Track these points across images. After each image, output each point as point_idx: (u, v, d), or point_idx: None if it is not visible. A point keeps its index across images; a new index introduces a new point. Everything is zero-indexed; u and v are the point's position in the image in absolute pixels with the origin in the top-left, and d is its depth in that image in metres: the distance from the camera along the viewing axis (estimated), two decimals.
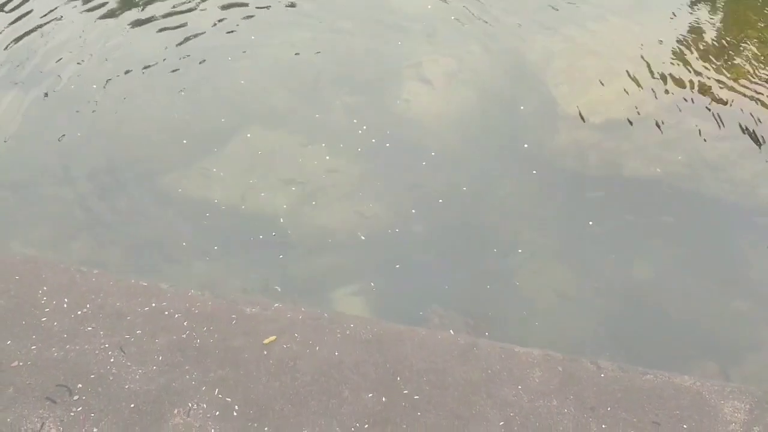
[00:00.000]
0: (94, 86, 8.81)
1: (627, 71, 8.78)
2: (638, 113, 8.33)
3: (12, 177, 7.86)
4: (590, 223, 7.39)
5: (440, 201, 7.58)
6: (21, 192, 7.71)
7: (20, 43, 9.39)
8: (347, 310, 6.44)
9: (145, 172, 7.90)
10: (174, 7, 10.00)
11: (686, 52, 9.07)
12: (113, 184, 7.77)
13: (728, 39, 9.28)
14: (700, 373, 6.10)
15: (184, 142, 8.17)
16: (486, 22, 9.70)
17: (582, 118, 8.29)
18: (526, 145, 8.16)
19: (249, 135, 8.22)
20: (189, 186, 7.72)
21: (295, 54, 9.27)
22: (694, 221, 7.55)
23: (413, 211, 7.48)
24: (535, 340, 6.05)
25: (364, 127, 8.28)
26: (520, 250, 7.17)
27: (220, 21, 9.75)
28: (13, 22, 9.72)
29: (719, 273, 7.10)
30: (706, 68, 8.80)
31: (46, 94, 8.69)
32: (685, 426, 5.12)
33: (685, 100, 8.42)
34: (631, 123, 8.25)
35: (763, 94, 8.40)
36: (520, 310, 6.71)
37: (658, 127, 8.19)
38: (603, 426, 5.09)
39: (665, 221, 7.51)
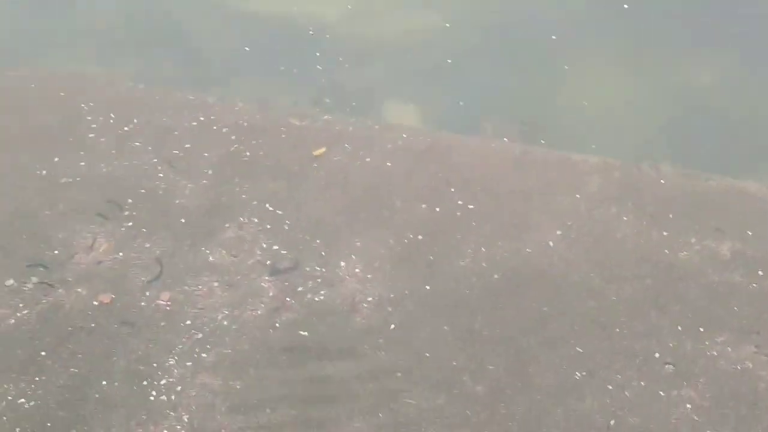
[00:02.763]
0: None
1: None
2: None
3: None
4: (651, 29, 7.04)
5: (495, 10, 7.24)
6: (69, 4, 7.50)
7: None
8: (399, 121, 6.27)
9: None
10: None
11: None
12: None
13: None
14: (764, 179, 5.89)
15: None
16: None
17: None
18: None
19: None
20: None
21: None
22: (762, 24, 7.16)
23: (466, 19, 7.17)
24: (592, 147, 5.85)
25: None
26: (576, 56, 6.86)
27: None
28: None
29: None
30: None
31: None
32: (750, 232, 4.96)
33: None
34: None
35: None
36: (575, 116, 6.47)
37: None
38: (664, 233, 4.96)
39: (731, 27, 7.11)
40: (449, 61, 6.87)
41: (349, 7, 7.37)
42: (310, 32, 7.16)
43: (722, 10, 7.22)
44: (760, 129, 6.45)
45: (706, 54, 6.89)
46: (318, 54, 7.03)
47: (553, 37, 7.02)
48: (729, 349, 4.50)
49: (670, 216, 5.05)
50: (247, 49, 7.06)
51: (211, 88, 6.75)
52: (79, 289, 4.77)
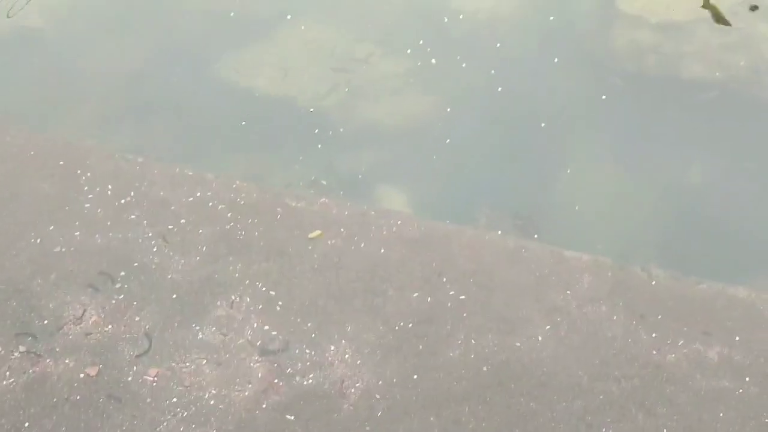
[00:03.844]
0: None
1: None
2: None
3: (55, 60, 7.74)
4: (644, 126, 7.16)
5: (491, 100, 7.36)
6: (64, 76, 7.59)
7: None
8: (391, 206, 6.32)
9: (191, 59, 7.74)
10: None
11: None
12: (157, 72, 7.63)
13: None
14: (754, 285, 5.93)
15: (231, 30, 7.98)
16: None
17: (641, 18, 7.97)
18: (581, 45, 7.88)
19: (302, 27, 8.01)
20: (234, 76, 7.56)
21: None
22: (755, 127, 7.29)
23: (463, 109, 7.28)
24: (585, 245, 5.89)
25: (416, 22, 8.04)
26: (572, 153, 6.96)
27: None
28: None
29: None
30: None
31: None
32: (737, 338, 4.99)
33: None
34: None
35: None
36: (569, 213, 6.55)
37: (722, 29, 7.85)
38: (653, 334, 4.98)
39: (720, 126, 7.24)
40: (446, 149, 6.95)
41: (347, 90, 7.48)
42: (311, 111, 7.25)
43: (718, 113, 7.36)
44: (749, 236, 6.52)
45: (701, 155, 6.99)
46: (315, 135, 7.12)
47: (552, 132, 7.12)
48: None
49: (660, 317, 5.08)
50: (243, 123, 7.14)
51: (206, 163, 6.82)
52: (66, 360, 4.75)
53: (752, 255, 6.39)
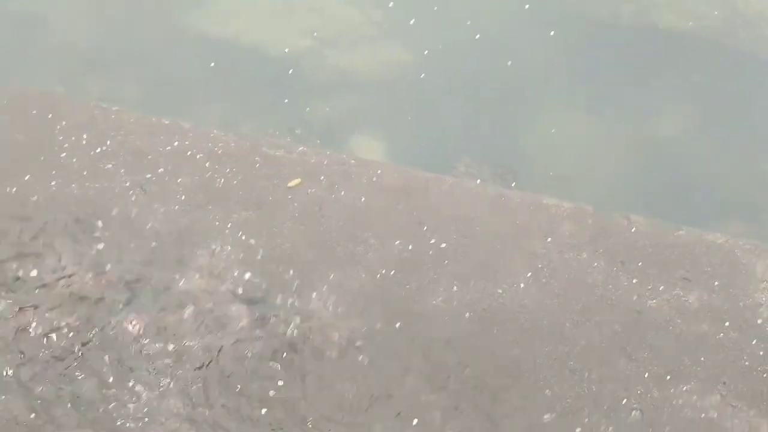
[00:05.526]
0: None
1: None
2: None
3: (26, 10, 7.60)
4: (620, 76, 7.17)
5: (468, 49, 7.32)
6: (36, 26, 7.46)
7: None
8: (369, 157, 6.29)
9: (161, 8, 7.63)
10: None
11: None
12: (128, 22, 7.52)
13: None
14: (727, 232, 5.99)
15: None
16: None
17: None
18: None
19: None
20: (207, 24, 7.46)
21: None
22: (727, 78, 7.33)
23: (439, 58, 7.24)
24: (563, 194, 5.91)
25: None
26: (548, 102, 6.96)
27: None
28: None
29: (750, 132, 6.92)
30: None
31: None
32: (716, 283, 5.04)
33: None
34: None
35: None
36: (547, 162, 6.56)
37: None
38: (633, 280, 5.01)
39: (696, 78, 7.28)
40: (422, 97, 6.92)
41: (319, 37, 7.40)
42: (285, 51, 7.17)
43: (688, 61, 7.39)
44: (720, 184, 6.58)
45: (675, 105, 7.02)
46: (288, 84, 7.06)
47: (528, 81, 7.11)
48: (695, 397, 4.54)
49: (640, 264, 5.11)
50: (213, 71, 7.06)
51: (183, 112, 6.75)
52: (46, 313, 4.69)
53: (725, 202, 6.45)
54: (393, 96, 6.97)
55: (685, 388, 4.58)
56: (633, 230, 5.30)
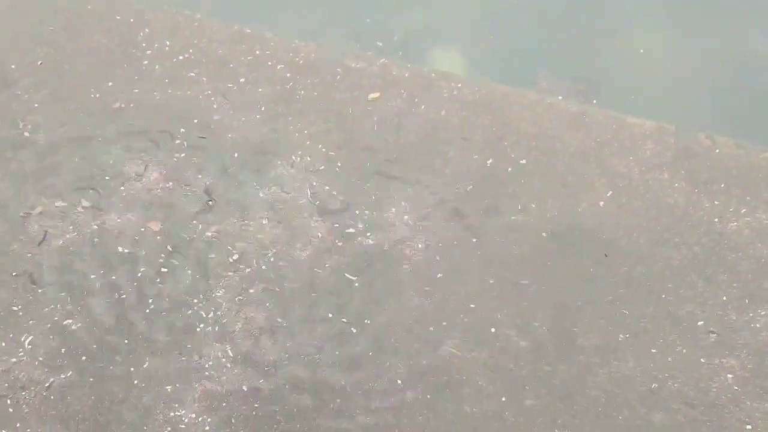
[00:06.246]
0: None
1: None
2: None
3: None
4: None
5: None
6: None
7: None
8: (449, 70, 6.22)
9: None
10: None
11: None
12: None
13: None
14: None
15: None
16: None
17: None
18: None
19: None
20: None
21: None
22: None
23: None
24: (645, 111, 5.79)
25: None
26: (631, 18, 6.76)
27: None
28: None
29: None
30: None
31: None
32: None
33: None
34: None
35: None
36: (630, 78, 6.40)
37: None
38: (715, 202, 4.93)
39: None
40: (505, 10, 6.77)
41: None
42: None
43: None
44: None
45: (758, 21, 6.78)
46: None
47: None
48: None
49: (722, 186, 5.02)
50: None
51: (265, 20, 6.69)
52: (128, 215, 4.79)
53: None
54: (475, 8, 6.83)
55: (763, 312, 4.52)
56: (717, 151, 5.20)
